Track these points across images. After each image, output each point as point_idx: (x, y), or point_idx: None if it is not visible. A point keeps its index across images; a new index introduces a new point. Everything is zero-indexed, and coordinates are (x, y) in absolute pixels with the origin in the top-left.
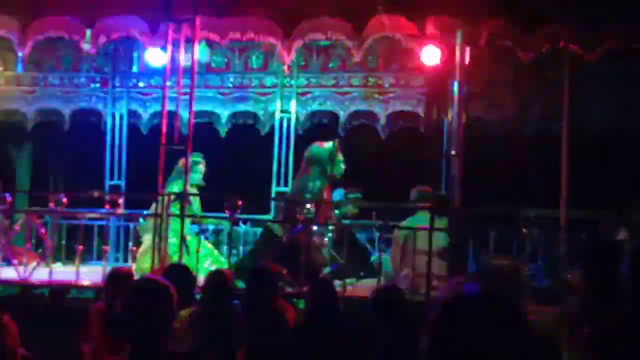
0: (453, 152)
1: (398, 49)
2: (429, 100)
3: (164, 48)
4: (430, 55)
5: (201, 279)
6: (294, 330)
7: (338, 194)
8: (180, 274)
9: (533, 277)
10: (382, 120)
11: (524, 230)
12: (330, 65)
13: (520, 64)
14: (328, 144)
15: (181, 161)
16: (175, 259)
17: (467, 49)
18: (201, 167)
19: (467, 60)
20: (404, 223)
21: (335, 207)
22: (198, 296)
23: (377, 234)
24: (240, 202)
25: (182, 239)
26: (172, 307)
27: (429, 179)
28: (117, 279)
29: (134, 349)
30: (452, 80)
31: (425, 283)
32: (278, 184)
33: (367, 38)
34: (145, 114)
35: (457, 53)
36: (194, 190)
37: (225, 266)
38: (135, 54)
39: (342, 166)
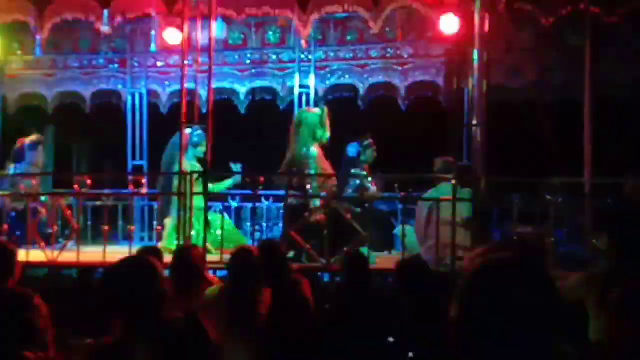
0: (475, 122)
1: (416, 19)
2: (448, 70)
3: (180, 26)
4: (449, 24)
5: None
6: (329, 304)
7: (353, 148)
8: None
9: (558, 244)
10: (402, 92)
11: (548, 197)
12: (348, 37)
13: (540, 29)
14: (317, 110)
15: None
16: (199, 237)
17: (487, 16)
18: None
19: (486, 27)
20: (427, 194)
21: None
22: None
23: (400, 206)
24: (262, 179)
25: (206, 217)
26: (153, 286)
27: (451, 150)
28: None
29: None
30: (472, 48)
31: (450, 254)
32: None
33: (385, 9)
34: (164, 93)
35: (476, 20)
36: (198, 163)
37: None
38: (152, 33)
39: (328, 133)
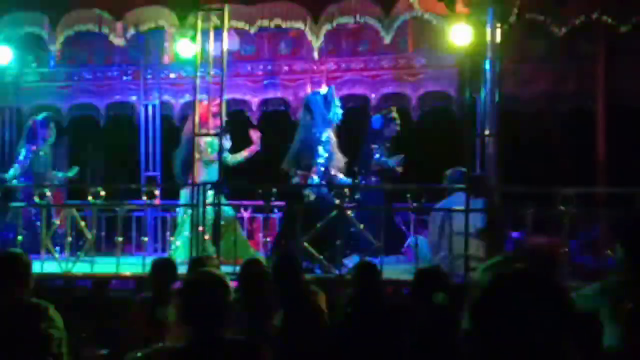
0: (487, 132)
1: (428, 29)
2: (460, 80)
3: (193, 38)
4: (461, 34)
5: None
6: (342, 316)
7: (377, 121)
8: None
9: (572, 255)
10: (414, 102)
11: (561, 208)
12: (360, 48)
13: (553, 39)
14: (323, 90)
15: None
16: (211, 248)
17: (498, 26)
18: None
19: (498, 37)
20: (440, 204)
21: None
22: None
23: (412, 216)
24: (273, 189)
25: (218, 228)
26: (229, 298)
27: (464, 160)
28: (160, 268)
29: (194, 336)
30: (484, 58)
31: (463, 264)
32: None
33: (396, 19)
34: (177, 105)
35: (488, 30)
36: (213, 153)
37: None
38: (165, 45)
39: (339, 111)
